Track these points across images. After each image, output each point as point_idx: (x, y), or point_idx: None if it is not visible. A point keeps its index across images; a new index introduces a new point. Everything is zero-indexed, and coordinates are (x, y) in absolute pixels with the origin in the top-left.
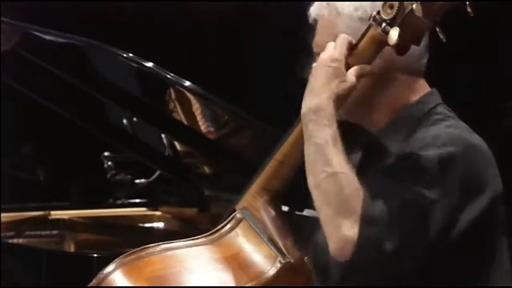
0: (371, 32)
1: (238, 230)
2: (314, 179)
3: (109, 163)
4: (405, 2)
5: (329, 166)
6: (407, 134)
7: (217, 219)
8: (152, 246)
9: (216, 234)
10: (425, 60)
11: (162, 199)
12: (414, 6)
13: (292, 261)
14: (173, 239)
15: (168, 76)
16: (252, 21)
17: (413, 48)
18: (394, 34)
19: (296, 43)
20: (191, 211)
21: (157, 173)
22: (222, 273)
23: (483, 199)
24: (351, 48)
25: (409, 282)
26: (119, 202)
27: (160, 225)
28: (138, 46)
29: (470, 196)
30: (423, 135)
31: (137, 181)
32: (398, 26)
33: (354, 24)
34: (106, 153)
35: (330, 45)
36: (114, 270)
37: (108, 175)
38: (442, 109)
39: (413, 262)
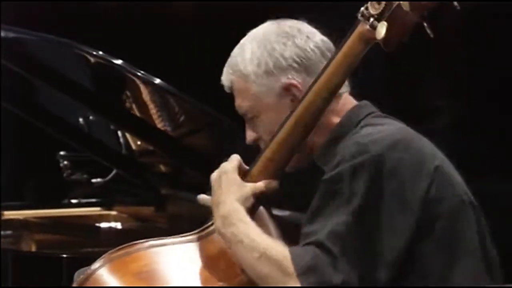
0: (359, 28)
1: None
2: (253, 271)
3: (65, 162)
4: None
5: (257, 252)
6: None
7: (174, 218)
8: (140, 242)
9: (204, 232)
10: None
11: (117, 198)
12: (402, 1)
13: None
14: (131, 239)
15: (129, 70)
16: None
17: None
18: (381, 28)
19: None
20: (147, 210)
21: (113, 172)
22: (210, 269)
23: (418, 191)
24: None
25: None
26: (75, 201)
27: (117, 224)
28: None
29: (402, 197)
30: (339, 150)
31: (93, 180)
32: (386, 21)
33: (262, 80)
34: (61, 152)
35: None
36: (101, 265)
37: (64, 175)
38: (370, 119)
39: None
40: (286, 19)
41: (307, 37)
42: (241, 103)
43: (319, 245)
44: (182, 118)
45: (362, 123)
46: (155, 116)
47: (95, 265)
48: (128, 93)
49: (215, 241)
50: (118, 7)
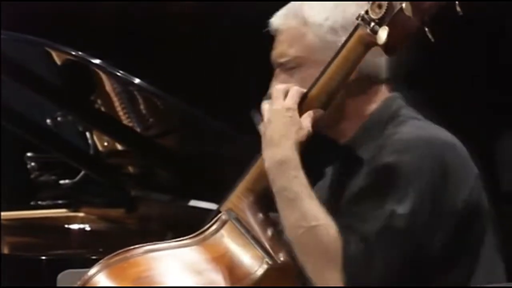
0: (359, 32)
1: (223, 231)
2: (291, 233)
3: (33, 163)
4: (393, 2)
5: (304, 221)
6: (375, 140)
7: (145, 219)
8: (137, 248)
9: (201, 236)
10: (384, 67)
11: (85, 199)
12: (403, 5)
13: (279, 261)
14: (102, 240)
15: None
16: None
17: (373, 56)
18: (383, 33)
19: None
20: (117, 212)
21: (82, 173)
22: (209, 274)
23: (463, 193)
24: (303, 97)
25: None
26: (44, 203)
27: (86, 226)
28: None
29: (449, 195)
30: (388, 142)
31: (62, 182)
32: (387, 26)
33: (324, 35)
34: (29, 154)
35: (278, 93)
36: (98, 271)
37: (32, 176)
38: (406, 111)
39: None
40: None
41: None
42: (288, 50)
43: (365, 238)
44: (156, 118)
45: (402, 112)
46: (127, 115)
47: (92, 270)
48: (100, 92)
49: (214, 245)
50: (117, 8)
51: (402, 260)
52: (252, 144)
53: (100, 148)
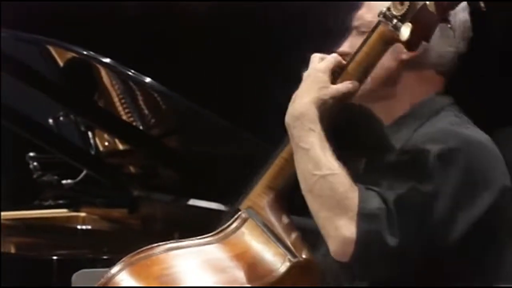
0: (381, 28)
1: (244, 229)
2: (306, 184)
3: (35, 163)
4: None
5: (318, 169)
6: (415, 129)
7: (148, 219)
8: (158, 246)
9: (222, 234)
10: (448, 60)
11: (86, 200)
12: (427, 1)
13: (301, 259)
14: (105, 241)
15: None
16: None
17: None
18: (406, 30)
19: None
20: (119, 212)
21: (83, 173)
22: (232, 271)
23: (488, 196)
24: (341, 67)
25: (411, 281)
26: (46, 203)
27: (89, 226)
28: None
29: (474, 193)
30: (427, 130)
31: (64, 182)
32: (410, 22)
33: None
34: (31, 154)
35: (315, 57)
36: (121, 270)
37: (35, 176)
38: (450, 107)
39: (414, 259)
40: None
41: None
42: (366, 15)
43: (385, 201)
44: (160, 116)
45: (449, 108)
46: (130, 114)
47: (114, 269)
48: (103, 90)
49: (235, 243)
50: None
51: (415, 239)
52: (255, 143)
53: (101, 148)
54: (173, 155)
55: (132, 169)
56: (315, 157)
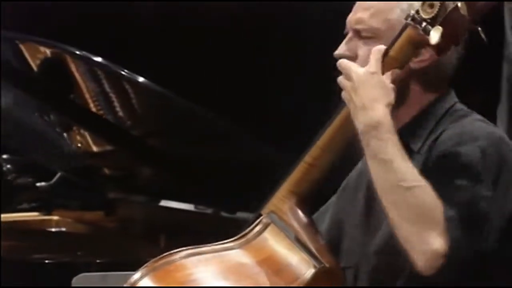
0: (409, 32)
1: (266, 234)
2: (389, 197)
3: (8, 166)
4: (446, 2)
5: (404, 181)
6: (429, 132)
7: (127, 221)
8: (179, 251)
9: (244, 239)
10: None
11: (60, 202)
12: (459, 3)
13: (326, 265)
14: (81, 243)
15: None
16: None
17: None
18: (436, 33)
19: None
20: (94, 215)
21: (58, 175)
22: (256, 277)
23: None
24: (384, 55)
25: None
26: (20, 206)
27: (64, 229)
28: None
29: (509, 187)
30: (452, 132)
31: (38, 184)
32: (440, 25)
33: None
34: (4, 156)
35: (347, 63)
36: (144, 275)
37: (8, 178)
38: (460, 106)
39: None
40: None
41: None
42: (368, 20)
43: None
44: (147, 115)
45: (457, 107)
46: (114, 114)
47: (137, 274)
48: (82, 87)
49: (258, 248)
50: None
51: (486, 240)
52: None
53: (76, 149)
54: (158, 156)
55: (108, 170)
56: (398, 169)
